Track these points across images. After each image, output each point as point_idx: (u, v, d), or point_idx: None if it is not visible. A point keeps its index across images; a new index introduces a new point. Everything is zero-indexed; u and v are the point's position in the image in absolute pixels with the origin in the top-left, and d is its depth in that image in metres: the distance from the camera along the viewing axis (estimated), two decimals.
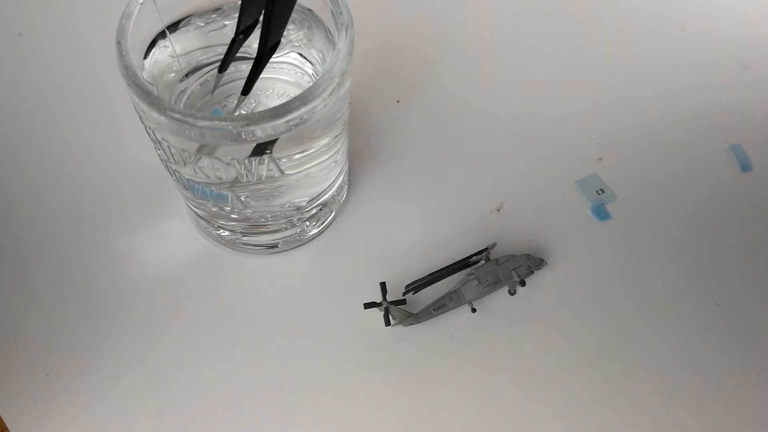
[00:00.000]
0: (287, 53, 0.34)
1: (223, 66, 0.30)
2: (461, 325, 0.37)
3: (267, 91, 0.35)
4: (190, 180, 0.31)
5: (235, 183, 0.30)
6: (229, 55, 0.30)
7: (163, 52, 0.31)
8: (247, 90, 0.30)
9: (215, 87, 0.32)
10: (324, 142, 0.31)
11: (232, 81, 0.34)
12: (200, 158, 0.28)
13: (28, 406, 0.34)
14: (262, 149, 0.28)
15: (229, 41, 0.29)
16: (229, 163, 0.28)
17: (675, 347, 0.37)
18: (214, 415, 0.34)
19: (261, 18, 0.27)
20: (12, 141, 0.42)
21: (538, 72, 0.47)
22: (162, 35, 0.31)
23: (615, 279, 0.39)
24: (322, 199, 0.36)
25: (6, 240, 0.39)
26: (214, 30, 0.33)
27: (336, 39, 0.28)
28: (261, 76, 0.29)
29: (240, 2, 0.28)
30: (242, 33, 0.29)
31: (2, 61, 0.46)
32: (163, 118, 0.25)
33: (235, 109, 0.32)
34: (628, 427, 0.35)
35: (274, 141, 0.27)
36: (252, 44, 0.29)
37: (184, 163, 0.29)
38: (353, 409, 0.34)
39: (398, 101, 0.45)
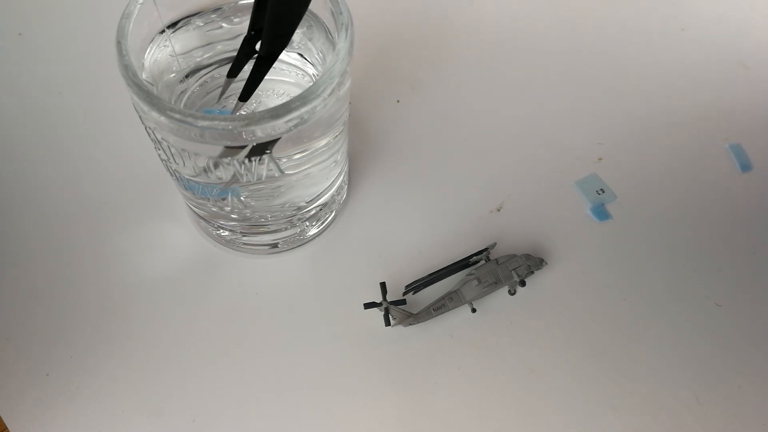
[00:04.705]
0: (287, 53, 0.34)
1: (234, 71, 0.30)
2: (461, 325, 0.37)
3: (268, 91, 0.35)
4: (190, 180, 0.31)
5: (233, 182, 0.30)
6: (240, 58, 0.29)
7: (163, 52, 0.31)
8: (246, 96, 0.29)
9: (223, 93, 0.32)
10: (324, 142, 0.31)
11: (233, 81, 0.34)
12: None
13: (28, 406, 0.34)
14: (261, 149, 0.28)
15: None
16: (228, 164, 0.28)
17: (675, 347, 0.37)
18: (214, 415, 0.34)
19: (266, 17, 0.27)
20: (12, 141, 0.42)
21: (538, 72, 0.47)
22: (162, 35, 0.31)
23: (615, 279, 0.39)
24: (322, 199, 0.36)
25: (6, 240, 0.39)
26: (214, 30, 0.33)
27: (336, 39, 0.28)
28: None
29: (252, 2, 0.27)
30: (255, 31, 0.28)
31: (2, 61, 0.46)
32: (163, 118, 0.25)
33: (233, 113, 0.32)
34: (628, 427, 0.35)
35: (274, 141, 0.27)
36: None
37: (184, 164, 0.29)
38: (353, 409, 0.34)
39: (398, 101, 0.45)
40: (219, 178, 0.30)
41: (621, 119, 0.45)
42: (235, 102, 0.31)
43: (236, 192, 0.32)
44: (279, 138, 0.27)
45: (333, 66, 0.27)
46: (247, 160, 0.28)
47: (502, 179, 0.42)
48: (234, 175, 0.29)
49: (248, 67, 0.30)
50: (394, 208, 0.41)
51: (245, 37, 0.29)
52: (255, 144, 0.27)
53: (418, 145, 0.43)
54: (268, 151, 0.28)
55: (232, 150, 0.27)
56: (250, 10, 0.29)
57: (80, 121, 0.43)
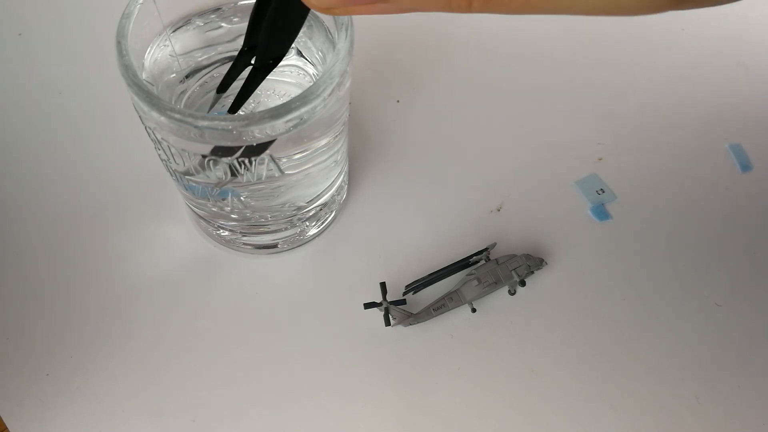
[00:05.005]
0: (289, 55, 0.34)
1: (223, 86, 0.29)
2: (461, 325, 0.37)
3: (268, 91, 0.35)
4: (190, 180, 0.31)
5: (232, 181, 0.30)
6: (231, 74, 0.29)
7: (163, 52, 0.31)
8: (236, 108, 0.29)
9: (211, 107, 0.31)
10: (324, 142, 0.31)
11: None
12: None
13: (28, 406, 0.34)
14: (258, 149, 0.27)
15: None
16: (228, 164, 0.28)
17: (675, 347, 0.37)
18: (214, 415, 0.34)
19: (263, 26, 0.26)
20: (12, 141, 0.42)
21: (538, 72, 0.47)
22: (162, 35, 0.31)
23: (615, 279, 0.39)
24: (322, 199, 0.36)
25: (6, 240, 0.39)
26: (214, 30, 0.33)
27: (336, 39, 0.28)
28: None
29: (250, 13, 0.27)
30: (250, 47, 0.28)
31: (2, 61, 0.46)
32: (163, 118, 0.25)
33: None
34: (628, 427, 0.35)
35: (271, 141, 0.27)
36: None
37: (184, 164, 0.29)
38: (353, 409, 0.34)
39: (398, 101, 0.45)
40: (219, 178, 0.30)
41: (621, 119, 0.45)
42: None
43: (236, 192, 0.32)
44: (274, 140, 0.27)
45: (333, 66, 0.27)
46: (247, 161, 0.28)
47: (502, 179, 0.42)
48: (233, 175, 0.29)
49: (237, 84, 0.29)
50: (394, 208, 0.41)
51: (239, 51, 0.28)
52: (254, 144, 0.27)
53: (418, 145, 0.43)
54: (255, 157, 0.28)
55: (225, 149, 0.27)
56: (250, 11, 0.28)
57: (80, 121, 0.43)
